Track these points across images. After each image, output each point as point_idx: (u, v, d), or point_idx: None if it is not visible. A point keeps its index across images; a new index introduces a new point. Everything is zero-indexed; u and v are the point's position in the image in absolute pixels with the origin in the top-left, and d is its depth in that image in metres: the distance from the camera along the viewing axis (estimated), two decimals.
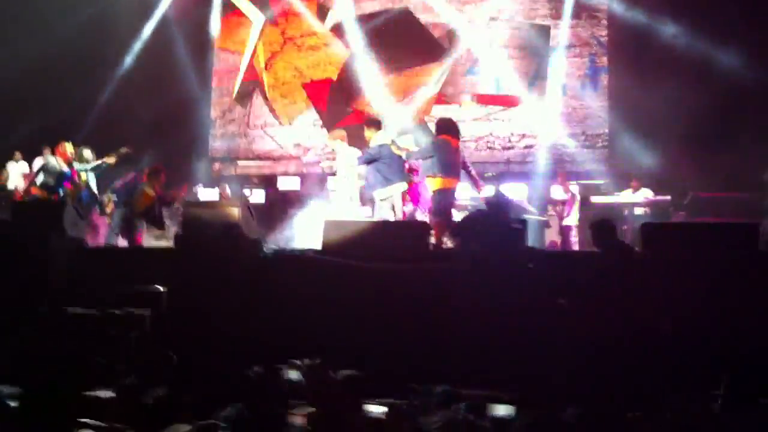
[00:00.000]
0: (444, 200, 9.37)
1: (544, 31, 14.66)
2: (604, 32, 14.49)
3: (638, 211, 11.82)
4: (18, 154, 13.03)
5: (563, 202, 12.15)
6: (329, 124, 14.69)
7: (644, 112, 12.94)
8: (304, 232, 9.76)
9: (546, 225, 11.84)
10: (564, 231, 11.85)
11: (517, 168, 14.28)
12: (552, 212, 12.14)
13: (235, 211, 9.00)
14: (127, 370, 5.95)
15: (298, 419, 3.99)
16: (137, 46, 15.00)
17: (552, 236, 11.95)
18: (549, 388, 6.00)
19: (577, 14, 14.51)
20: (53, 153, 11.00)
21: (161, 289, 8.07)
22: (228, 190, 12.63)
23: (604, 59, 14.47)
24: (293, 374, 4.51)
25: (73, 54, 13.80)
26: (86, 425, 4.09)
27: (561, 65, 14.47)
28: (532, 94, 14.52)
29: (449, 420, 4.15)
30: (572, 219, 11.76)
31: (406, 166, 9.98)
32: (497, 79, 14.76)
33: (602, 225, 7.47)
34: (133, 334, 7.57)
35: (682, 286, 7.12)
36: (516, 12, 14.78)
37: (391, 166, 9.65)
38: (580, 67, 14.59)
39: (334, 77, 15.25)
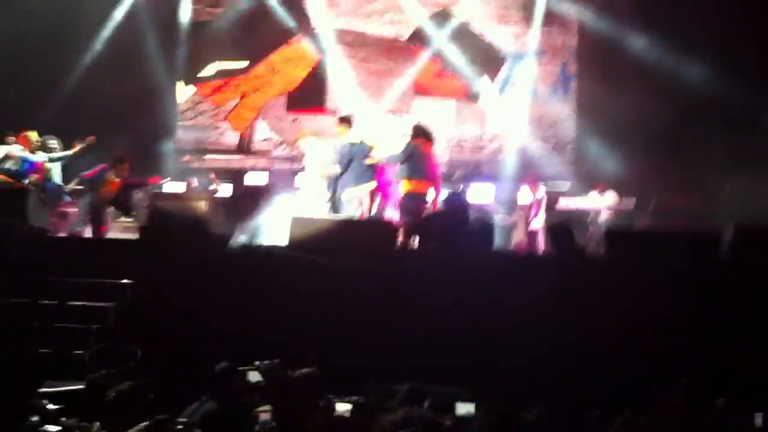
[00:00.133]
0: (413, 203, 9.46)
1: (516, 37, 14.76)
2: (575, 40, 14.63)
3: (603, 215, 11.96)
4: None
5: (530, 205, 12.23)
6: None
7: (611, 119, 13.08)
8: (271, 227, 9.72)
9: (513, 227, 11.92)
10: (530, 233, 11.96)
11: (486, 169, 14.34)
12: (519, 214, 12.21)
13: (202, 205, 8.97)
14: (93, 363, 5.89)
15: (263, 415, 4.00)
16: (106, 31, 14.76)
17: (519, 238, 12.04)
18: (510, 387, 6.06)
19: (548, 21, 14.62)
20: (18, 142, 10.82)
21: (126, 281, 7.98)
22: (196, 183, 12.53)
23: (575, 67, 14.63)
24: (254, 376, 4.51)
25: (38, 36, 13.55)
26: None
27: (532, 71, 14.59)
28: (502, 98, 14.62)
29: (411, 417, 4.18)
30: (539, 221, 11.86)
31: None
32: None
33: (559, 229, 7.63)
34: (95, 326, 7.49)
35: (644, 292, 7.24)
36: (487, 17, 14.86)
37: (361, 165, 9.69)
38: (552, 74, 14.70)
39: (305, 73, 15.20)
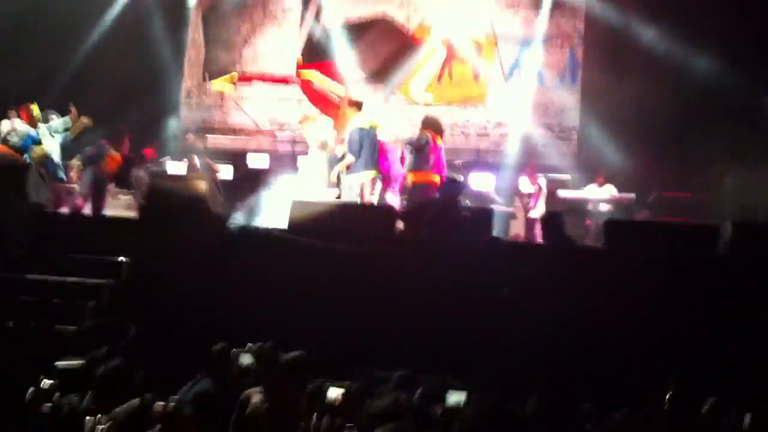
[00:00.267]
0: (421, 194, 9.49)
1: (525, 22, 14.67)
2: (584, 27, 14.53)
3: (603, 207, 11.94)
4: None
5: (530, 195, 12.22)
6: None
7: (615, 110, 13.02)
8: (271, 210, 9.70)
9: (512, 216, 11.92)
10: (529, 223, 11.94)
11: (488, 158, 14.29)
12: (518, 204, 12.20)
13: (202, 185, 8.95)
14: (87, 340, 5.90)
15: (255, 397, 4.01)
16: (113, 10, 14.72)
17: (518, 228, 12.03)
18: (502, 376, 6.07)
19: (557, 7, 14.51)
20: (19, 115, 10.81)
21: (122, 259, 7.99)
22: (197, 163, 12.51)
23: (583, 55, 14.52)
24: (246, 359, 4.52)
25: (45, 16, 13.52)
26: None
27: (539, 58, 14.50)
28: (510, 84, 14.55)
29: (400, 404, 4.18)
30: (538, 212, 11.83)
31: None
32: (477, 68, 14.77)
33: (550, 219, 7.65)
34: (90, 303, 7.50)
35: (641, 284, 7.24)
36: (497, 1, 14.77)
37: (369, 150, 9.71)
38: (560, 61, 14.57)
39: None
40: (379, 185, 10.22)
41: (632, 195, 11.90)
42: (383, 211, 9.17)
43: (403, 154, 10.44)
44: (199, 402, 3.73)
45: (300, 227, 8.13)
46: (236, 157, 13.76)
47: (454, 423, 3.96)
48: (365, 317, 7.29)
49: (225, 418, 3.96)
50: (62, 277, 7.83)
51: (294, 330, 6.35)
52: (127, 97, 13.14)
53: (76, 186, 11.36)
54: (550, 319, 6.92)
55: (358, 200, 9.63)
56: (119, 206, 10.87)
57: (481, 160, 13.96)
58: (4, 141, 10.62)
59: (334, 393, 4.35)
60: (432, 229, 7.93)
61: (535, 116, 14.34)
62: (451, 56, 14.85)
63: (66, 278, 7.82)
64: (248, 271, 7.70)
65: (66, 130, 11.03)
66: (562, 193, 12.27)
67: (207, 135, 14.78)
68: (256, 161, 12.57)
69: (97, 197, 10.50)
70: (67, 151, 11.38)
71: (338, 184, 10.13)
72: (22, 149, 10.56)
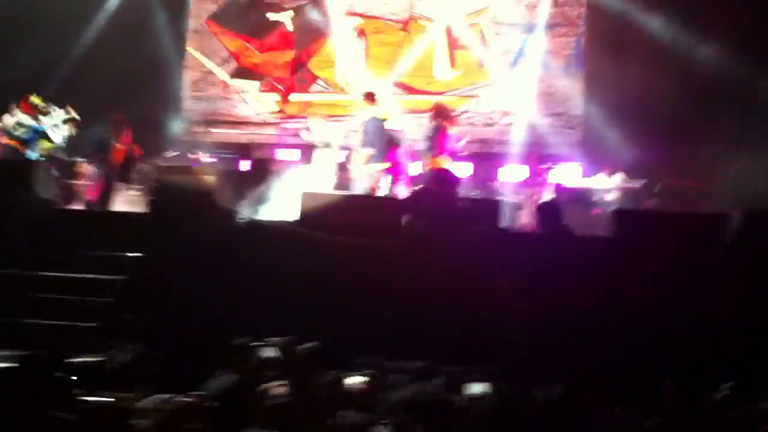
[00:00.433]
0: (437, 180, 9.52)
1: (529, 8, 14.62)
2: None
3: (610, 196, 11.94)
4: None
5: (537, 184, 12.22)
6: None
7: (619, 98, 13.02)
8: (279, 202, 9.72)
9: (519, 206, 11.91)
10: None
11: (495, 148, 14.26)
12: (525, 193, 12.20)
13: (209, 179, 8.95)
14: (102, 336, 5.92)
15: (275, 389, 4.03)
16: (113, 2, 14.71)
17: (526, 217, 12.02)
18: (519, 365, 6.09)
19: None
20: (21, 108, 10.80)
21: (132, 255, 8.00)
22: (203, 156, 12.53)
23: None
24: (269, 352, 4.54)
25: (45, 8, 13.50)
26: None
27: (544, 44, 14.46)
28: (514, 72, 14.53)
29: (420, 394, 4.19)
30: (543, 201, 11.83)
31: None
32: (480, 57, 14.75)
33: (547, 207, 7.66)
34: (103, 299, 7.51)
35: (650, 273, 7.25)
36: None
37: (381, 142, 9.74)
38: (566, 47, 14.55)
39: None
40: (389, 177, 10.23)
41: (640, 184, 11.91)
42: (393, 202, 9.19)
43: (412, 148, 10.48)
44: (228, 396, 3.74)
45: (310, 219, 8.13)
46: (243, 149, 13.81)
47: (474, 413, 3.98)
48: (373, 308, 7.30)
49: (246, 411, 3.98)
50: (73, 274, 7.83)
51: (304, 322, 6.36)
52: (129, 89, 13.12)
53: (83, 182, 11.37)
54: (558, 309, 6.93)
55: (369, 191, 9.64)
56: (127, 201, 10.86)
57: (487, 150, 13.95)
58: (9, 134, 10.62)
59: (354, 381, 4.37)
60: (428, 219, 7.93)
61: (540, 104, 14.33)
62: (453, 44, 14.85)
63: (77, 275, 7.82)
64: (257, 264, 7.69)
65: (64, 122, 11.04)
66: (569, 183, 12.27)
67: (213, 128, 14.79)
68: (263, 152, 12.58)
69: (107, 192, 10.48)
70: (72, 147, 11.40)
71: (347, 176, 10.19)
72: (28, 142, 10.55)
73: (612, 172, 12.17)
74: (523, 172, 12.53)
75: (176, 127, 14.43)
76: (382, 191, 9.93)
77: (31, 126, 10.55)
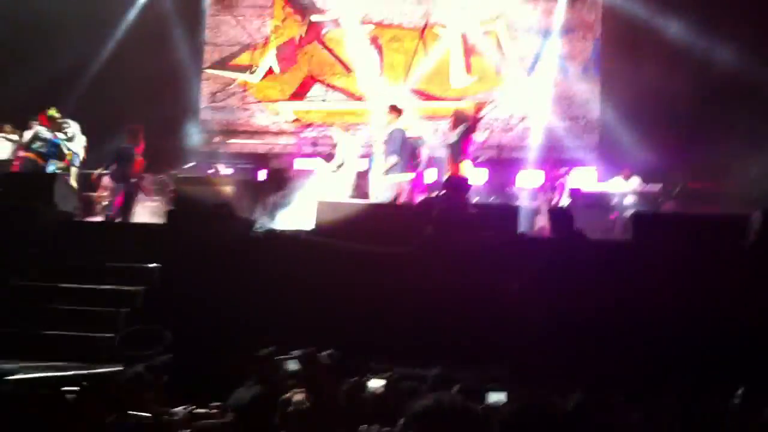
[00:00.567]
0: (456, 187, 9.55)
1: (545, 13, 14.59)
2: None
3: (628, 200, 11.88)
4: (8, 127, 12.86)
5: (553, 189, 12.18)
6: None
7: (636, 101, 12.97)
8: (296, 212, 9.76)
9: (537, 211, 11.88)
10: None
11: (512, 153, 14.21)
12: (543, 198, 12.16)
13: (227, 189, 9.00)
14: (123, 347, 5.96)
15: (296, 396, 4.05)
16: (131, 14, 14.86)
17: (543, 222, 11.99)
18: (537, 372, 6.06)
19: None
20: (40, 122, 10.91)
21: (153, 265, 8.05)
22: (221, 167, 12.60)
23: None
24: (292, 365, 4.56)
25: (64, 20, 13.63)
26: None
27: (561, 49, 14.43)
28: (531, 77, 14.51)
29: (442, 402, 4.18)
30: (561, 206, 11.79)
31: None
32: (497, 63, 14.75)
33: (559, 213, 7.66)
34: (123, 310, 7.57)
35: (669, 276, 7.20)
36: None
37: (407, 153, 9.84)
38: (584, 51, 14.50)
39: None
40: (410, 187, 10.28)
41: (657, 187, 11.84)
42: (407, 210, 9.19)
43: (430, 156, 10.52)
44: (253, 408, 3.76)
45: (326, 228, 8.15)
46: (261, 159, 13.87)
47: (494, 422, 3.96)
48: (387, 316, 7.30)
49: (270, 421, 4.00)
50: (92, 285, 7.90)
51: (320, 330, 6.39)
52: (145, 100, 13.23)
53: (102, 193, 11.46)
54: (574, 314, 6.90)
55: (392, 201, 9.67)
56: (147, 212, 10.94)
57: (506, 155, 13.93)
58: (29, 148, 10.72)
59: (375, 385, 4.38)
60: (439, 226, 7.94)
61: (558, 109, 14.29)
62: (469, 51, 14.86)
63: (96, 286, 7.89)
64: (275, 273, 7.71)
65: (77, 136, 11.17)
66: (586, 187, 12.23)
67: (231, 138, 14.88)
68: (281, 162, 12.65)
69: (128, 203, 10.55)
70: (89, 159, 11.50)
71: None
72: (47, 156, 10.64)
73: (629, 176, 12.11)
74: (540, 177, 12.49)
75: (194, 137, 14.53)
76: (403, 201, 9.96)
77: (49, 139, 10.64)
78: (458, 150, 9.52)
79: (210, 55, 15.54)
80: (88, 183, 11.28)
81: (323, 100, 15.23)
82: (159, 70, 14.06)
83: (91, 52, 14.31)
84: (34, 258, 8.27)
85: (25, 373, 5.80)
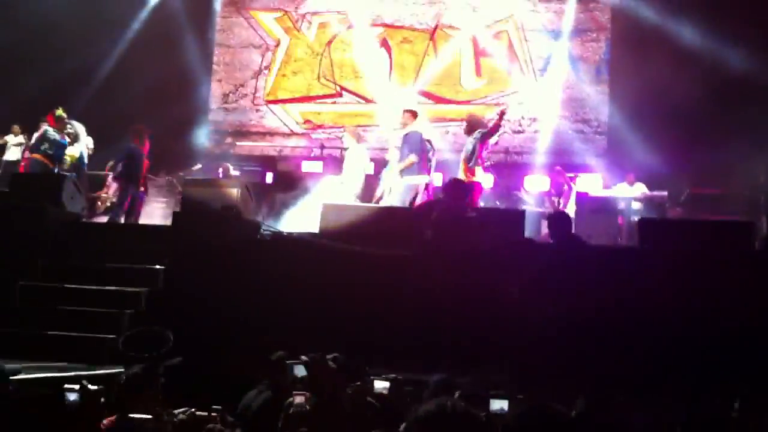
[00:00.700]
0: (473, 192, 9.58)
1: (557, 14, 14.57)
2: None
3: (634, 205, 11.83)
4: (16, 128, 12.94)
5: (560, 194, 12.15)
6: None
7: (645, 105, 12.94)
8: (303, 214, 9.77)
9: (543, 217, 11.85)
10: None
11: (520, 157, 14.19)
12: (549, 203, 12.15)
13: (234, 192, 8.99)
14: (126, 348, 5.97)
15: (297, 398, 4.06)
16: (142, 15, 14.92)
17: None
18: (540, 378, 6.04)
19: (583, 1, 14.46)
20: (47, 122, 10.95)
21: (158, 267, 8.07)
22: (230, 169, 12.62)
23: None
24: (301, 369, 4.56)
25: (74, 23, 13.70)
26: None
27: (573, 50, 14.40)
28: (543, 79, 14.49)
29: (444, 407, 4.17)
30: (568, 211, 11.75)
31: None
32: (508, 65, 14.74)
33: (558, 218, 7.67)
34: (128, 311, 7.58)
35: (677, 282, 7.17)
36: None
37: (423, 156, 9.87)
38: (596, 52, 14.46)
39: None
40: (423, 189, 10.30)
41: (664, 193, 11.79)
42: (410, 213, 9.19)
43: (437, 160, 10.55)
44: (265, 411, 3.77)
45: (331, 231, 8.15)
46: (269, 161, 13.89)
47: (498, 428, 3.94)
48: (388, 319, 7.30)
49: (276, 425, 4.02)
50: (98, 286, 7.92)
51: (326, 332, 6.39)
52: (155, 101, 13.27)
53: (108, 194, 11.49)
54: (575, 319, 6.87)
55: (408, 204, 9.66)
56: (153, 213, 10.96)
57: (513, 160, 13.90)
58: (36, 149, 10.76)
59: (377, 387, 4.38)
60: (437, 230, 7.94)
61: (570, 111, 14.26)
62: (479, 52, 14.87)
63: (102, 287, 7.91)
64: (281, 276, 7.72)
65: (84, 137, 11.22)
66: (593, 192, 12.18)
67: (242, 140, 14.92)
68: (290, 164, 12.66)
69: (134, 204, 10.56)
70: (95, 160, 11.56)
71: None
72: (55, 157, 10.69)
73: (633, 182, 12.07)
74: (546, 182, 12.46)
75: (203, 139, 14.57)
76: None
77: (57, 140, 10.68)
78: (473, 155, 9.52)
79: (220, 57, 15.59)
80: (93, 183, 11.33)
81: (334, 102, 15.27)
82: (169, 72, 14.12)
83: (101, 53, 14.37)
84: (40, 258, 8.29)
85: (29, 374, 5.81)
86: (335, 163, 12.38)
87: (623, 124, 13.49)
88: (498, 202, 12.01)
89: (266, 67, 15.53)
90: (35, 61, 13.54)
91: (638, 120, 13.11)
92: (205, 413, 4.15)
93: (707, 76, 12.45)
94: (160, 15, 14.86)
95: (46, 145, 10.64)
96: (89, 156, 11.76)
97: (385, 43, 15.15)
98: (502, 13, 14.81)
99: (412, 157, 9.78)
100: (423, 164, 9.91)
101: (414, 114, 10.33)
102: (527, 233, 8.85)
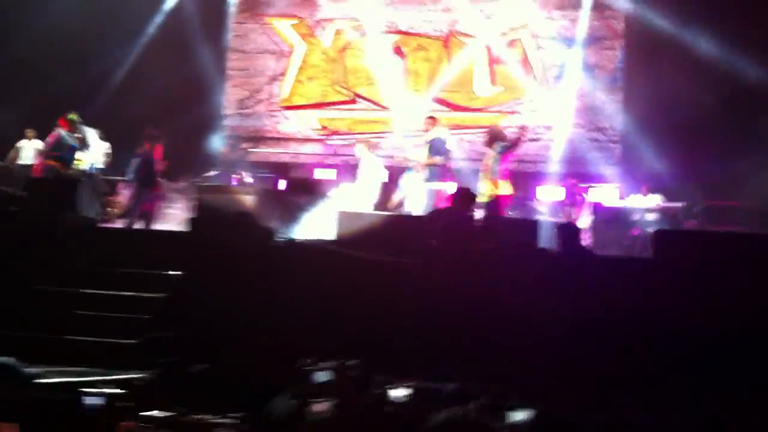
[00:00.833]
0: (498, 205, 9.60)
1: (573, 22, 14.56)
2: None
3: (649, 216, 11.80)
4: (30, 132, 13.02)
5: (573, 205, 12.14)
6: None
7: (659, 114, 12.90)
8: (317, 221, 9.79)
9: (556, 226, 11.82)
10: None
11: (534, 166, 14.17)
12: (563, 213, 12.13)
13: (249, 198, 9.03)
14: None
15: (317, 406, 4.07)
16: (156, 20, 15.01)
17: None
18: (555, 389, 6.02)
19: (606, 6, 14.42)
20: (60, 126, 11.03)
21: (174, 272, 8.09)
22: (245, 175, 12.67)
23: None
24: (322, 376, 4.57)
25: (89, 28, 13.79)
26: None
27: (589, 57, 14.39)
28: (558, 87, 14.48)
29: (459, 417, 4.18)
30: (582, 222, 11.74)
31: None
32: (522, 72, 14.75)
33: (566, 228, 7.67)
34: (144, 316, 7.61)
35: (692, 295, 7.14)
36: (547, 3, 14.72)
37: (449, 163, 10.01)
38: (611, 60, 14.44)
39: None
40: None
41: (679, 204, 11.75)
42: (421, 222, 9.20)
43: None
44: (294, 418, 3.79)
45: (347, 238, 8.16)
46: (283, 168, 13.92)
47: None
48: (412, 329, 7.29)
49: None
50: (115, 291, 7.95)
51: (341, 341, 6.39)
52: (170, 108, 13.32)
53: (122, 200, 11.55)
54: (586, 329, 6.86)
55: (430, 210, 9.70)
56: (170, 219, 11.01)
57: (527, 169, 13.88)
58: (50, 154, 10.82)
59: (397, 394, 4.39)
60: (444, 238, 7.95)
61: (585, 119, 14.24)
62: (493, 60, 14.88)
63: (118, 292, 7.95)
64: (295, 283, 7.73)
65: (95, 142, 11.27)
66: (607, 203, 12.17)
67: (257, 146, 14.97)
68: (305, 170, 12.70)
69: (150, 209, 10.61)
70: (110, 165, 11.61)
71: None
72: (67, 161, 10.75)
73: (647, 193, 12.04)
74: (560, 192, 12.45)
75: (218, 144, 14.63)
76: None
77: (70, 144, 10.74)
78: (495, 169, 9.54)
79: (236, 62, 15.66)
80: (107, 189, 11.39)
81: (349, 109, 15.32)
82: (183, 77, 14.19)
83: (117, 58, 14.46)
84: (56, 263, 8.33)
85: (47, 378, 5.84)
86: (349, 170, 12.39)
87: (637, 133, 13.44)
88: (511, 212, 11.98)
89: (281, 74, 15.59)
90: (51, 67, 13.62)
91: (652, 129, 13.07)
92: (221, 419, 4.17)
93: (721, 86, 12.41)
94: (175, 20, 14.94)
95: (60, 150, 10.70)
96: (106, 161, 11.82)
97: (399, 50, 15.19)
98: (516, 21, 14.82)
99: (438, 158, 9.94)
100: (446, 170, 9.99)
101: (435, 120, 10.43)
102: (542, 244, 8.83)
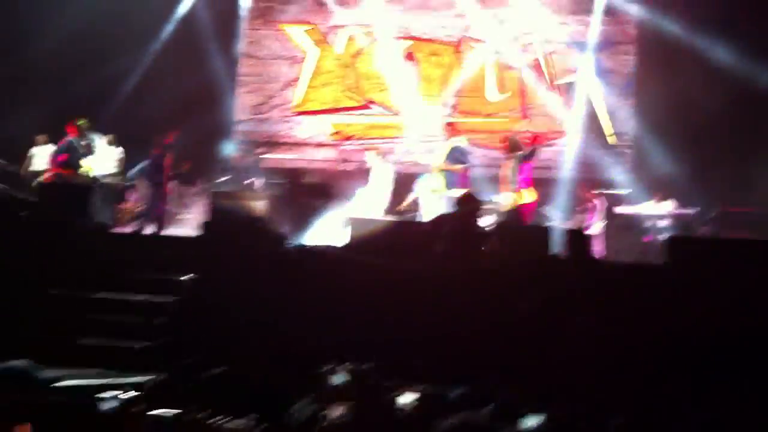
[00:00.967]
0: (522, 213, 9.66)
1: (587, 27, 14.54)
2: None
3: (662, 223, 11.76)
4: (41, 138, 13.08)
5: (585, 211, 12.10)
6: None
7: (672, 122, 12.86)
8: (330, 227, 9.83)
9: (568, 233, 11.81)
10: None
11: (546, 172, 14.11)
12: (575, 220, 12.09)
13: (261, 204, 9.07)
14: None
15: (333, 411, 4.08)
16: (168, 26, 15.08)
17: None
18: (567, 394, 6.01)
19: (619, 12, 14.39)
20: (68, 132, 11.09)
21: (186, 277, 8.14)
22: (257, 180, 12.71)
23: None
24: (338, 379, 4.58)
25: (101, 34, 13.86)
26: None
27: (604, 63, 14.37)
28: (570, 92, 14.47)
29: (469, 423, 4.17)
30: (595, 228, 11.71)
31: None
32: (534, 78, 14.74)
33: (576, 236, 7.70)
34: (157, 320, 7.65)
35: (707, 301, 7.11)
36: (560, 8, 14.74)
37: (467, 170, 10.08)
38: (625, 65, 14.40)
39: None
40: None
41: (693, 211, 11.70)
42: (424, 228, 9.23)
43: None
44: (311, 422, 3.80)
45: (359, 244, 8.19)
46: (296, 173, 13.95)
47: None
48: (423, 333, 7.30)
49: None
50: (128, 296, 8.00)
51: (352, 345, 6.40)
52: (182, 113, 13.36)
53: (133, 205, 11.62)
54: (594, 335, 6.85)
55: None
56: (184, 223, 11.06)
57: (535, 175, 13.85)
58: (57, 162, 10.88)
59: (407, 399, 4.38)
60: (449, 244, 7.97)
61: (597, 125, 14.20)
62: (504, 65, 14.88)
63: (131, 296, 7.99)
64: (306, 288, 7.76)
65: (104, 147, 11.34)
66: (620, 209, 12.12)
67: (270, 151, 15.01)
68: (319, 176, 12.75)
69: (162, 214, 10.66)
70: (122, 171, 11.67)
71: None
72: (75, 168, 10.81)
73: (661, 199, 11.99)
74: (573, 198, 12.43)
75: (231, 150, 14.67)
76: None
77: (78, 150, 10.80)
78: (515, 179, 9.56)
79: (250, 68, 15.72)
80: (118, 195, 11.46)
81: (362, 114, 15.36)
82: (196, 83, 14.23)
83: (130, 64, 14.53)
84: (70, 268, 8.39)
85: (63, 381, 5.87)
86: (363, 175, 12.41)
87: (649, 139, 13.41)
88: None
89: (294, 79, 15.64)
90: (64, 73, 13.70)
91: (664, 134, 13.03)
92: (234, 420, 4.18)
93: (734, 91, 12.35)
94: (188, 27, 15.00)
95: (70, 156, 10.76)
96: (119, 166, 11.89)
97: (411, 56, 15.20)
98: (529, 26, 14.81)
99: (458, 167, 10.05)
100: (465, 178, 10.02)
101: (453, 127, 10.49)
102: (554, 250, 8.82)
